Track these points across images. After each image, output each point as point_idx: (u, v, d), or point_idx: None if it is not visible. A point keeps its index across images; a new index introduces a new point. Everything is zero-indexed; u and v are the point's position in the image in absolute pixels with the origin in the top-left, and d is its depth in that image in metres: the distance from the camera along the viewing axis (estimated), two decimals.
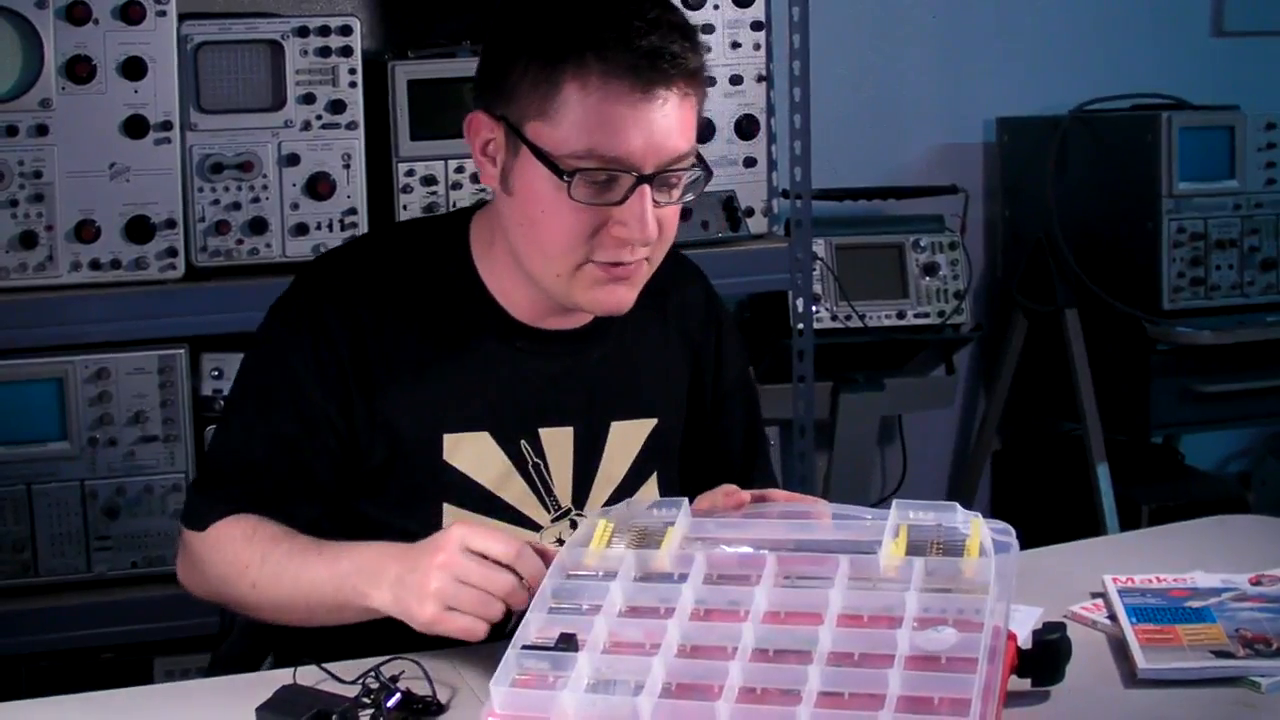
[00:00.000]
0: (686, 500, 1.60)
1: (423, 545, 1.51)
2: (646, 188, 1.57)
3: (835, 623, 1.41)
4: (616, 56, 1.54)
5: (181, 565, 1.73)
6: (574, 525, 1.74)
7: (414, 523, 1.65)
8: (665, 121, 1.56)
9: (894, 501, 1.56)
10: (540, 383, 1.72)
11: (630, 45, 1.54)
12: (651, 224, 1.58)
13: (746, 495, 1.60)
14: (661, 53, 1.54)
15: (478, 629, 1.46)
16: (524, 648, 1.40)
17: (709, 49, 2.91)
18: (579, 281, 1.62)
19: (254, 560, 1.61)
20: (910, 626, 1.38)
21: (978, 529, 1.50)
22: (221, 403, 2.62)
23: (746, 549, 1.53)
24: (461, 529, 1.50)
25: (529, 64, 1.57)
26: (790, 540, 1.54)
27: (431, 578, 1.46)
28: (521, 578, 1.47)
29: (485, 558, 1.47)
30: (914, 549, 1.49)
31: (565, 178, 1.56)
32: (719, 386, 1.87)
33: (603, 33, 1.54)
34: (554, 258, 1.62)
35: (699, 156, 1.62)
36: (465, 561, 1.46)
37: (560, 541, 1.71)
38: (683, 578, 1.49)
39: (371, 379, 1.67)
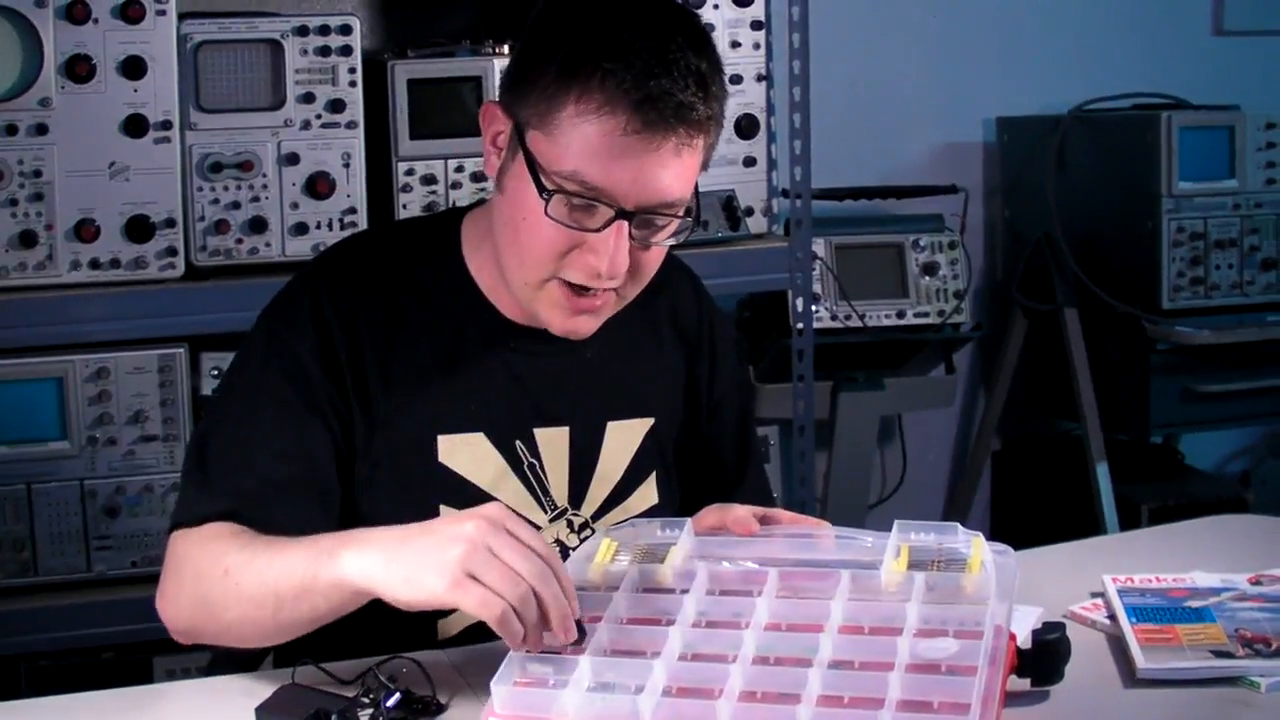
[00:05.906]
0: (689, 521, 1.61)
1: (442, 519, 1.50)
2: (624, 224, 1.54)
3: (837, 632, 1.41)
4: (622, 90, 1.50)
5: (162, 584, 1.62)
6: (570, 525, 1.74)
7: None
8: (657, 165, 1.53)
9: (895, 522, 1.56)
10: (534, 382, 1.71)
11: (638, 82, 1.50)
12: (621, 261, 1.56)
13: (756, 526, 1.60)
14: (668, 98, 1.50)
15: (494, 603, 1.35)
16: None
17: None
18: (543, 297, 1.61)
19: (233, 548, 1.53)
20: (911, 636, 1.38)
21: (979, 548, 1.50)
22: None
23: (750, 564, 1.54)
24: (500, 508, 1.43)
25: (543, 73, 1.55)
26: (792, 559, 1.54)
27: (459, 545, 1.37)
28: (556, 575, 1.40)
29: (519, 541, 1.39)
30: (915, 566, 1.49)
31: (544, 195, 1.54)
32: (715, 384, 1.86)
33: (616, 62, 1.50)
34: (526, 265, 1.60)
35: (696, 204, 1.59)
36: (500, 535, 1.38)
37: (557, 542, 1.72)
38: (685, 591, 1.49)
39: (366, 377, 1.65)
